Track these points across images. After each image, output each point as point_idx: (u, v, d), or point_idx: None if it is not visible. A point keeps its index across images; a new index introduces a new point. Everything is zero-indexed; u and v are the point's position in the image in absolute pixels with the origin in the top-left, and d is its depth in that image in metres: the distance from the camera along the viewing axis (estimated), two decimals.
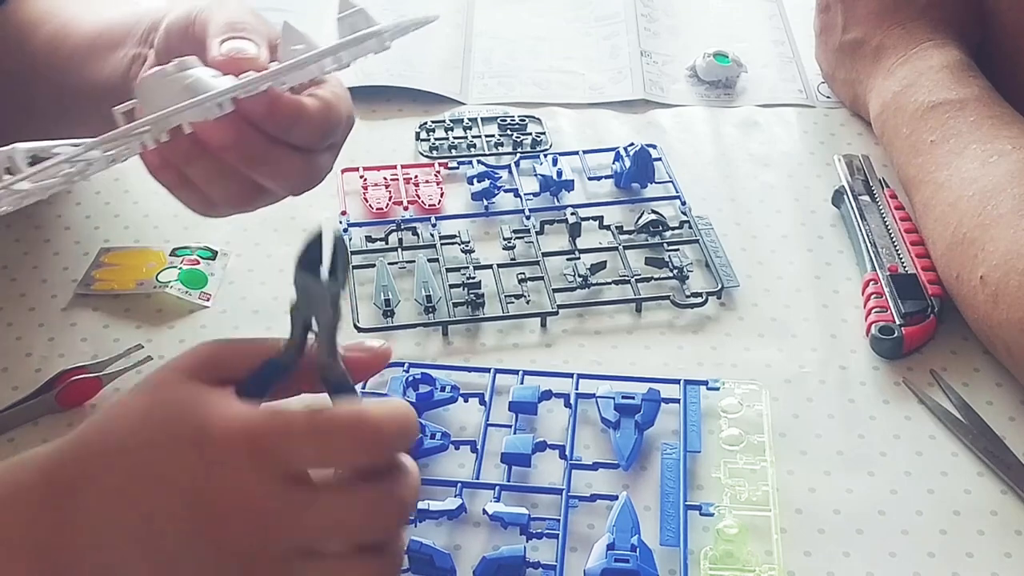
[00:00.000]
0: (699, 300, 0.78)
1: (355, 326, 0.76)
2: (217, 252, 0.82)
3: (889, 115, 0.85)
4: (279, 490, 0.48)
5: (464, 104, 0.98)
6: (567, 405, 0.71)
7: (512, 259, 0.82)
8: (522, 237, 0.83)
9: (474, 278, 0.79)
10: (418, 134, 0.93)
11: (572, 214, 0.83)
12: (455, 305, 0.77)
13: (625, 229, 0.84)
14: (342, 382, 0.51)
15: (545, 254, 0.81)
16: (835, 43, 0.94)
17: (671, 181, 0.88)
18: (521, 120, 0.95)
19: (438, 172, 0.89)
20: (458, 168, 0.90)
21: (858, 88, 0.92)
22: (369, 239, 0.83)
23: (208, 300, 0.78)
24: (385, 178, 0.88)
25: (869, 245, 0.79)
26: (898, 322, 0.74)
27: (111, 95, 0.64)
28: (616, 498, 0.64)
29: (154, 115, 0.58)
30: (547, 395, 0.71)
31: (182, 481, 0.48)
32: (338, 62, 0.61)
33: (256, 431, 0.48)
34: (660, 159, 0.89)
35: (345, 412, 0.50)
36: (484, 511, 0.64)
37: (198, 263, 0.80)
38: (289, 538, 0.48)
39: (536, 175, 0.88)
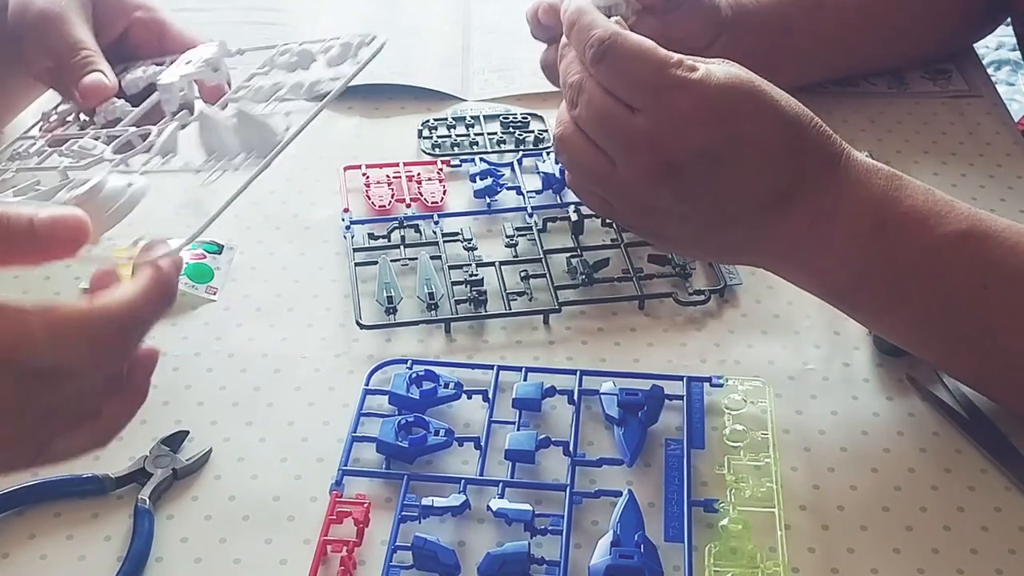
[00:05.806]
0: (702, 297, 0.78)
1: (358, 323, 0.76)
2: (223, 246, 0.82)
3: None
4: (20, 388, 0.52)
5: (465, 100, 0.98)
6: (571, 402, 0.71)
7: (515, 256, 0.81)
8: (524, 234, 0.83)
9: (477, 275, 0.79)
10: (420, 131, 0.93)
11: (575, 211, 0.83)
12: (458, 302, 0.77)
13: None
14: None
15: (548, 251, 0.81)
16: None
17: None
18: (523, 117, 0.94)
19: (440, 169, 0.89)
20: (460, 166, 0.89)
21: None
22: (371, 236, 0.83)
23: (215, 294, 0.79)
24: (387, 175, 0.88)
25: None
26: None
27: None
28: (620, 494, 0.64)
29: None
30: (551, 392, 0.71)
31: None
32: None
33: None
34: None
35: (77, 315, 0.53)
36: (488, 507, 0.64)
37: (204, 257, 0.80)
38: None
39: (538, 172, 0.87)
